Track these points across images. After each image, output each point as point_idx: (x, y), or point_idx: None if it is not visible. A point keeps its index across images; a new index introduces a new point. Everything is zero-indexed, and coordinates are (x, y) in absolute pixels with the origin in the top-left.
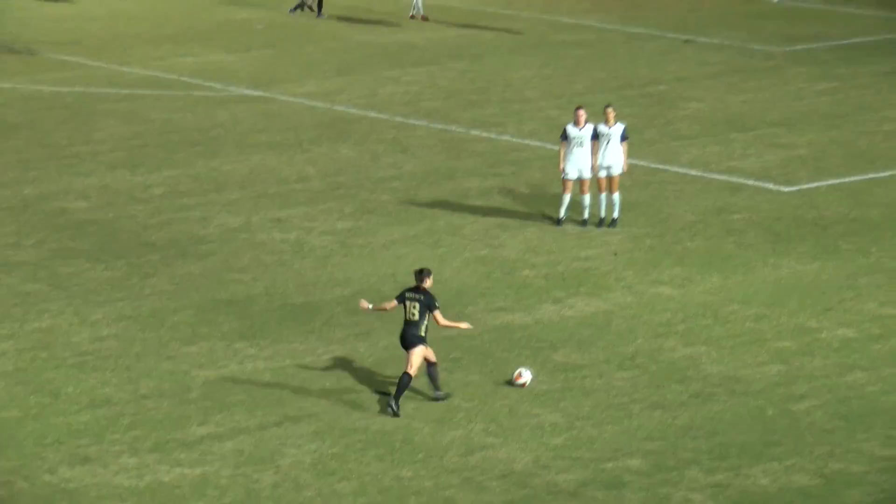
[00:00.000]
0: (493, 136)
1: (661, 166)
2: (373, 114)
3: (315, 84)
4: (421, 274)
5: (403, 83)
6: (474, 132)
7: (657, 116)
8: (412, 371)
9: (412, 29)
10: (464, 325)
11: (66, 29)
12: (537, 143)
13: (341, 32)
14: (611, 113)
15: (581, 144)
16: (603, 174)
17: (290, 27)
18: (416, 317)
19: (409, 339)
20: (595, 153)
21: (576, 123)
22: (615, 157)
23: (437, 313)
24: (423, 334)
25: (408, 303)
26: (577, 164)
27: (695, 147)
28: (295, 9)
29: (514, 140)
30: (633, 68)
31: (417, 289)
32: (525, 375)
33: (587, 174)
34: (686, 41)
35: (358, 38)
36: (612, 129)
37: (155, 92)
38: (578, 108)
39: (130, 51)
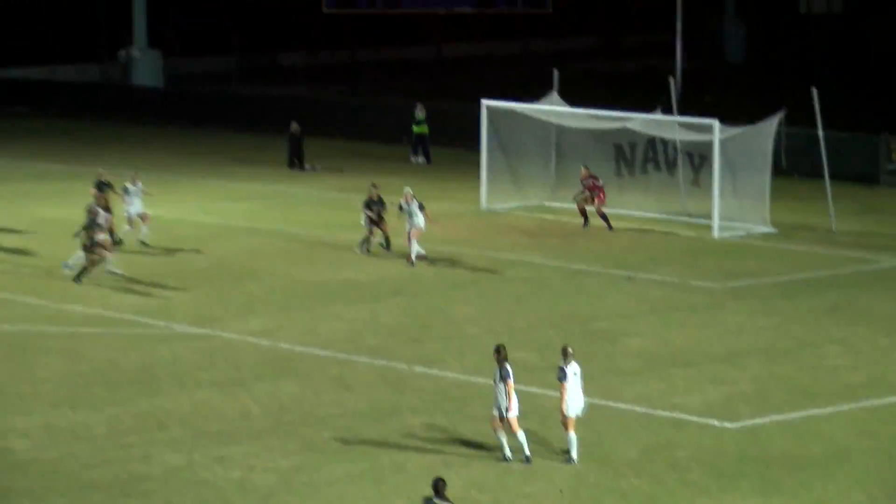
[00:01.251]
0: (436, 372)
1: (604, 402)
2: (316, 350)
3: (257, 321)
4: None
5: (346, 319)
6: (417, 369)
7: (599, 352)
8: None
9: (353, 266)
10: None
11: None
12: (481, 380)
13: (281, 270)
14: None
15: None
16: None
17: (230, 264)
18: None
19: None
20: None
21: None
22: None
23: None
24: None
25: None
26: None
27: (638, 383)
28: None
29: (458, 376)
30: (575, 304)
31: None
32: None
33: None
34: (628, 277)
35: (299, 276)
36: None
37: (97, 330)
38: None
39: (72, 288)
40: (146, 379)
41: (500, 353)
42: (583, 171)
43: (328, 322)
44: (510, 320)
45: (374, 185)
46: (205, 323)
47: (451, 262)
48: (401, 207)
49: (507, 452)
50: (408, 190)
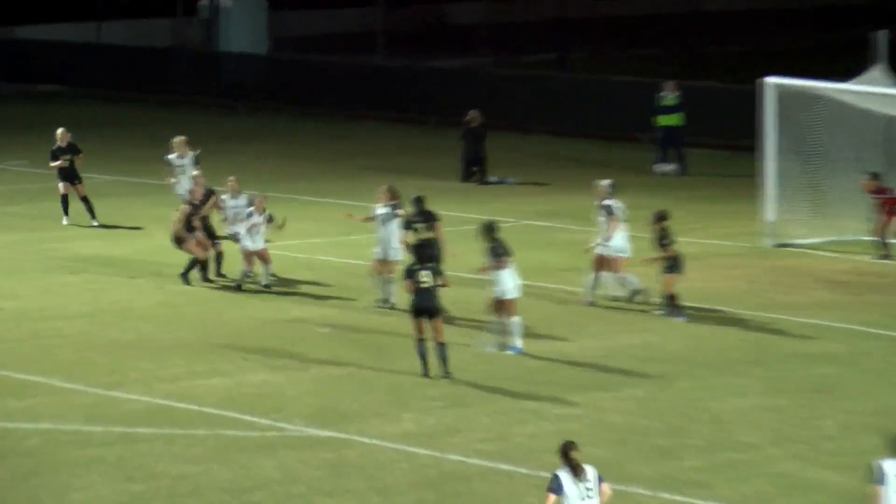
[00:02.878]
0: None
1: None
2: (500, 465)
3: (414, 420)
4: None
5: (550, 417)
6: (664, 495)
7: None
8: None
9: (577, 331)
10: None
11: (23, 332)
12: None
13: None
14: None
15: None
16: None
17: (369, 332)
18: None
19: None
20: None
21: None
22: None
23: None
24: None
25: None
26: None
27: None
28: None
29: None
30: None
31: None
32: None
33: None
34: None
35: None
36: None
37: (162, 430)
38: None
39: (123, 366)
40: None
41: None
42: (867, 181)
43: (525, 424)
44: (810, 422)
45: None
46: (331, 421)
47: (717, 328)
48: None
49: None
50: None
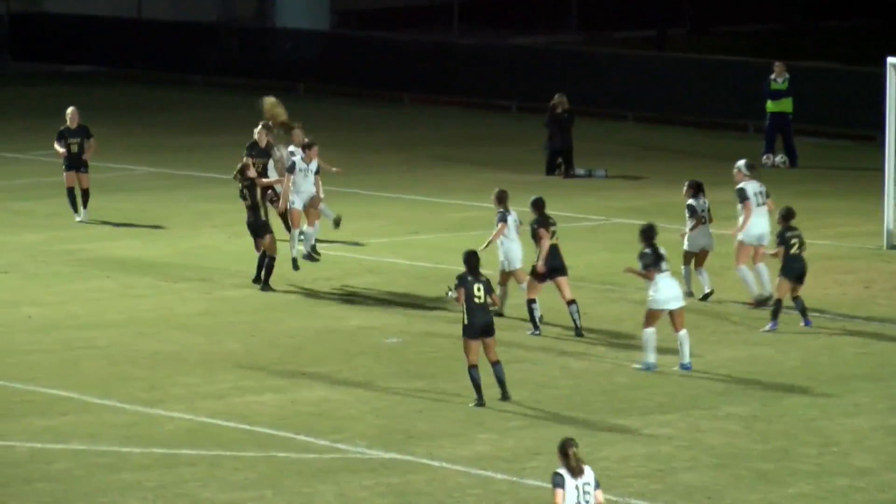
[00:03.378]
0: None
1: None
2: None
3: (490, 442)
4: None
5: (643, 439)
6: None
7: None
8: None
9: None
10: None
11: (52, 342)
12: None
13: (535, 351)
14: None
15: None
16: None
17: (442, 344)
18: None
19: None
20: None
21: None
22: None
23: None
24: None
25: None
26: None
27: None
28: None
29: None
30: None
31: None
32: None
33: None
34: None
35: (557, 361)
36: None
37: (207, 452)
38: None
39: (164, 382)
40: None
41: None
42: None
43: (614, 446)
44: None
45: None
46: (397, 442)
47: (831, 339)
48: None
49: None
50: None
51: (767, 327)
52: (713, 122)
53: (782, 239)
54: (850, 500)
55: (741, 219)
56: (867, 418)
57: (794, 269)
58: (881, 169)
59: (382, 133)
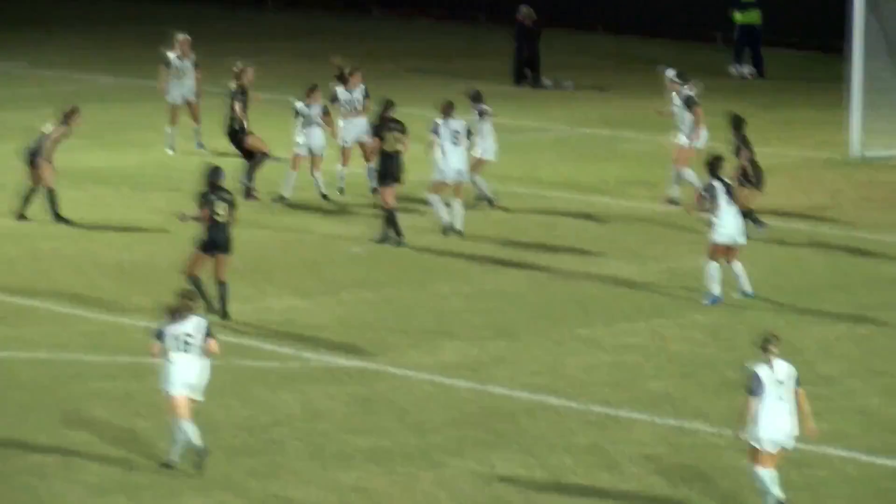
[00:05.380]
0: None
1: None
2: (554, 400)
3: (455, 350)
4: None
5: (606, 346)
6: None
7: None
8: None
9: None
10: None
11: (21, 251)
12: None
13: (494, 261)
14: None
15: None
16: None
17: (408, 253)
18: None
19: None
20: None
21: None
22: None
23: None
24: None
25: None
26: None
27: None
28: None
29: None
30: None
31: None
32: None
33: None
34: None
35: (520, 273)
36: None
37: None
38: None
39: (131, 291)
40: (261, 447)
41: None
42: None
43: (579, 354)
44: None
45: None
46: (362, 351)
47: (797, 249)
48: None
49: None
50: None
51: (760, 230)
52: (682, 32)
53: (743, 148)
54: (814, 408)
55: (687, 127)
56: (832, 327)
57: (757, 178)
58: (844, 80)
59: (356, 47)
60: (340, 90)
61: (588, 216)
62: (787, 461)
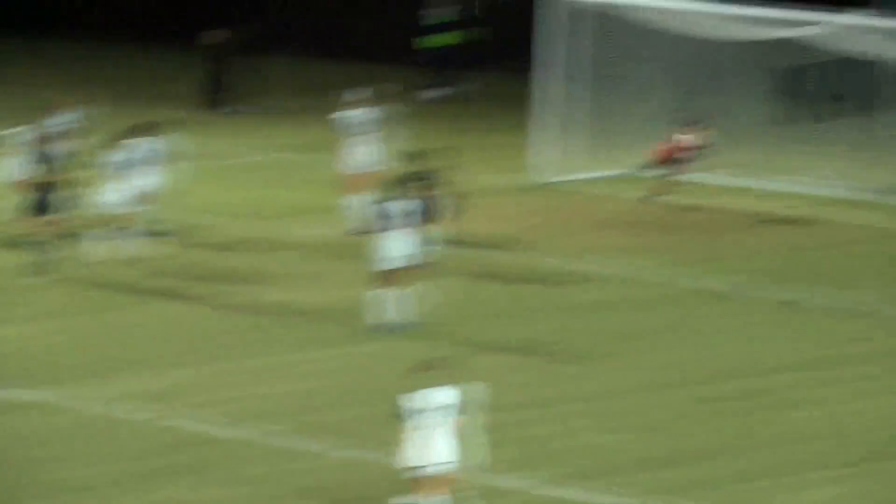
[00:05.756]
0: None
1: None
2: (248, 433)
3: (135, 380)
4: None
5: (295, 376)
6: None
7: (741, 436)
8: None
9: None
10: None
11: None
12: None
13: (181, 294)
14: None
15: None
16: None
17: (84, 284)
18: None
19: None
20: None
21: None
22: None
23: None
24: None
25: None
26: None
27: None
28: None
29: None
30: (699, 351)
31: None
32: None
33: None
34: None
35: (208, 305)
36: None
37: None
38: None
39: None
40: None
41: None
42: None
43: (257, 383)
44: (568, 388)
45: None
46: (48, 381)
47: (478, 275)
48: None
49: None
50: None
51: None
52: (377, 55)
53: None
54: (490, 438)
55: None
56: (504, 357)
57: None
58: (532, 105)
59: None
60: None
61: (271, 244)
62: (473, 489)
